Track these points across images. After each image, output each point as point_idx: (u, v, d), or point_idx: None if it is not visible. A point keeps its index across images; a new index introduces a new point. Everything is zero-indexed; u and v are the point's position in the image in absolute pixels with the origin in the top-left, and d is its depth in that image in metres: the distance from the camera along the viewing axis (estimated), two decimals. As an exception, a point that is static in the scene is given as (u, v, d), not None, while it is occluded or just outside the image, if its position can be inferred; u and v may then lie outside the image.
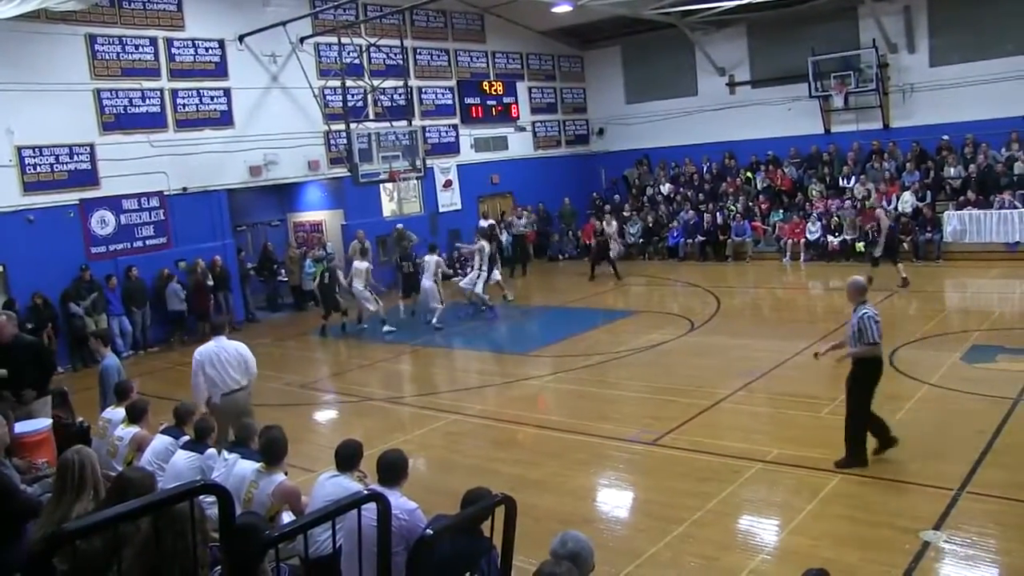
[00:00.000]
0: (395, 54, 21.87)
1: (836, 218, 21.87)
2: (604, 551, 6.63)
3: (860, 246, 20.72)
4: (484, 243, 18.11)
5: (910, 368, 11.67)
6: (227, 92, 19.70)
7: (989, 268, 18.95)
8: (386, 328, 17.16)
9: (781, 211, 23.71)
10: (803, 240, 22.22)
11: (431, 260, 17.29)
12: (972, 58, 21.87)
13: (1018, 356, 11.78)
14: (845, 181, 23.47)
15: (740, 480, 8.26)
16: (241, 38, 19.80)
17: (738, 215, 23.79)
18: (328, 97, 21.42)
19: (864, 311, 8.23)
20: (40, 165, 16.78)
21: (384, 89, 21.60)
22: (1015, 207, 19.85)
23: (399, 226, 21.46)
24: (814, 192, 23.57)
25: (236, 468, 6.42)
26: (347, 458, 5.95)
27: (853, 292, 8.42)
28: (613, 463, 9.48)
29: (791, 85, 24.63)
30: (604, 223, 22.92)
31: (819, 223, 22.21)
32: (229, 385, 9.18)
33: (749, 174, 25.70)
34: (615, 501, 8.57)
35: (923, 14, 22.82)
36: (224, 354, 9.24)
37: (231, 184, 19.82)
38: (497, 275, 18.86)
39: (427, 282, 17.22)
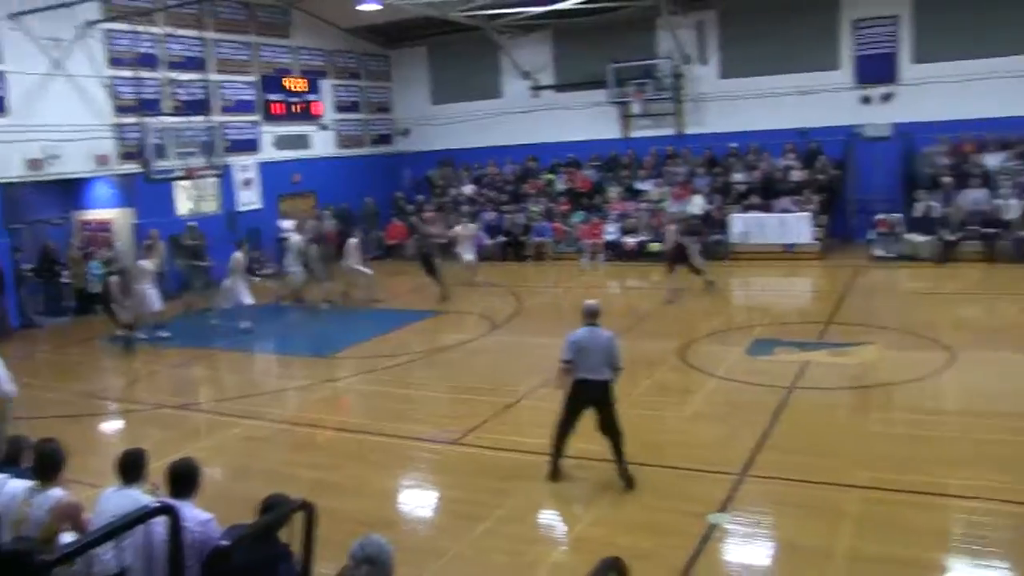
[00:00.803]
0: (194, 46, 21.04)
1: (633, 220, 22.80)
2: (407, 552, 6.64)
3: (655, 247, 21.63)
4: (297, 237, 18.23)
5: (699, 362, 12.41)
6: (0, 76, 18.20)
7: (769, 267, 20.34)
8: (161, 334, 16.34)
9: (581, 212, 24.45)
10: (601, 241, 23.01)
11: (236, 258, 16.78)
12: (757, 72, 23.39)
13: (793, 348, 12.70)
14: (641, 184, 24.50)
15: (542, 476, 8.45)
16: (16, 16, 18.13)
17: (539, 216, 24.37)
18: (119, 88, 20.14)
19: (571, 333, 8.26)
20: None
21: (181, 82, 20.73)
22: (792, 211, 21.32)
23: (191, 224, 20.72)
24: (612, 194, 24.45)
25: (5, 489, 5.69)
26: (130, 468, 5.42)
27: (583, 314, 8.38)
28: (415, 464, 9.51)
29: (593, 90, 25.43)
30: (439, 224, 22.49)
31: (617, 224, 23.06)
32: None
33: (551, 176, 26.35)
34: (418, 502, 8.60)
35: (715, 29, 24.23)
36: None
37: (6, 178, 18.11)
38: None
39: (227, 281, 16.68)
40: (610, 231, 23.06)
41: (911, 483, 7.78)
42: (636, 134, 25.83)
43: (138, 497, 5.23)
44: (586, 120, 25.99)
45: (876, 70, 22.28)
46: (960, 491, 7.53)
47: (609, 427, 8.13)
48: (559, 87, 26.67)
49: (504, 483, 8.43)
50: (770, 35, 23.16)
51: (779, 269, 20.25)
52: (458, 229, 20.80)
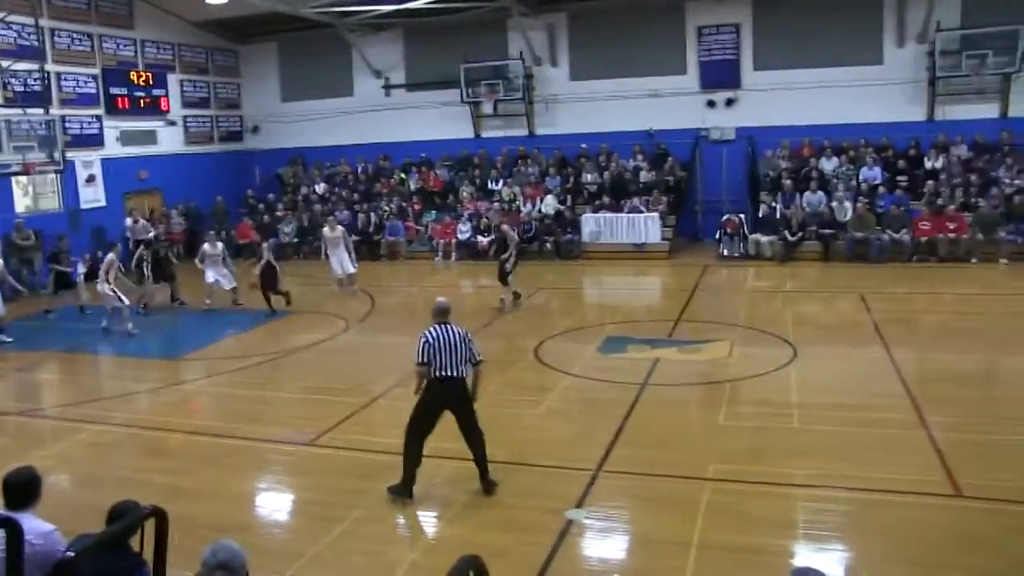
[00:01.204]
0: (29, 33, 19.89)
1: (485, 219, 22.90)
2: (264, 556, 6.47)
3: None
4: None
5: (554, 360, 12.53)
6: None
7: (620, 266, 20.78)
8: (3, 338, 15.46)
9: (433, 212, 24.40)
10: (454, 240, 23.01)
11: (108, 259, 15.97)
12: (605, 76, 23.91)
13: (644, 346, 13.01)
14: (494, 184, 24.65)
15: (397, 476, 8.29)
16: None
17: (392, 215, 24.19)
18: (-56, 75, 18.95)
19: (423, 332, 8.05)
20: None
21: (16, 72, 19.57)
22: (641, 211, 21.84)
23: (18, 221, 19.71)
24: (465, 194, 24.49)
25: None
26: None
27: (432, 313, 8.25)
28: (270, 466, 9.26)
29: (444, 90, 25.48)
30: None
31: (469, 223, 23.10)
32: None
33: (403, 175, 26.20)
34: (273, 505, 8.37)
35: (564, 33, 24.68)
36: None
37: None
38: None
39: (101, 285, 15.87)
40: (463, 230, 23.08)
41: (758, 474, 8.06)
42: (488, 134, 26.01)
43: None
44: (438, 119, 25.98)
45: (720, 76, 23.15)
46: (803, 480, 7.86)
47: (471, 428, 8.01)
48: (410, 86, 26.59)
49: (361, 483, 8.31)
50: (619, 39, 23.71)
51: (630, 268, 20.72)
52: (324, 231, 19.03)
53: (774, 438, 9.09)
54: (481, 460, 8.02)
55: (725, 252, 20.85)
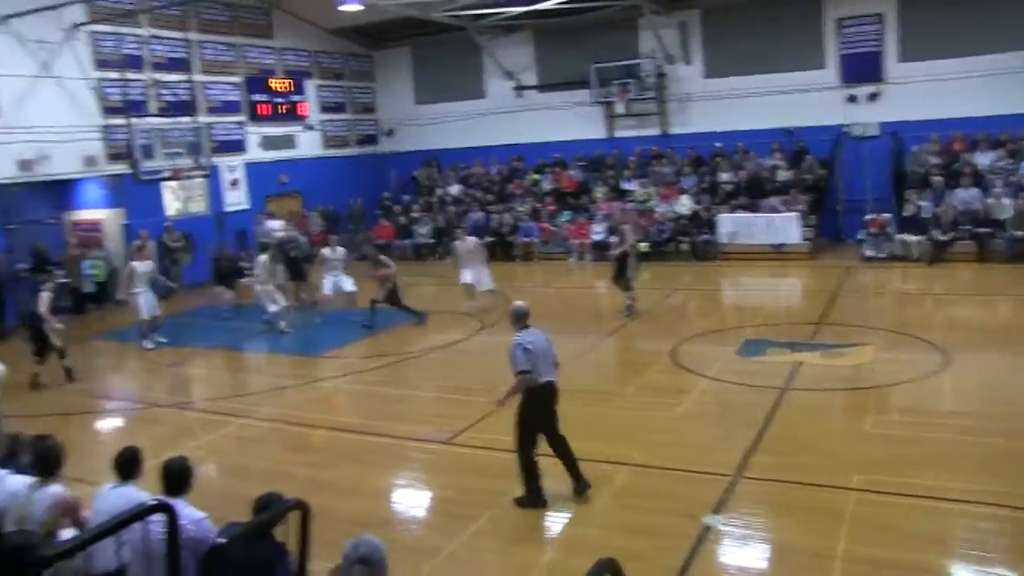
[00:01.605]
0: (179, 47, 20.97)
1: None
2: (402, 551, 6.58)
3: (643, 246, 21.59)
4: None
5: (691, 363, 12.30)
6: (-12, 78, 18.10)
7: (758, 267, 20.28)
8: (157, 338, 16.02)
9: (567, 212, 24.37)
10: (588, 241, 22.91)
11: (261, 261, 16.70)
12: (741, 72, 23.35)
13: (784, 349, 12.63)
14: (627, 184, 24.44)
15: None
16: (4, 19, 18.18)
17: (526, 216, 24.28)
18: (107, 89, 20.07)
19: (515, 338, 7.86)
20: None
21: (167, 83, 20.64)
22: (780, 211, 21.27)
23: (168, 223, 20.82)
24: (598, 194, 24.38)
25: (7, 484, 5.86)
26: (127, 465, 5.53)
27: (511, 318, 8.14)
28: (408, 463, 9.43)
29: (576, 90, 25.40)
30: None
31: (603, 224, 22.98)
32: None
33: (536, 176, 26.28)
34: (411, 501, 8.51)
35: (697, 30, 24.20)
36: None
37: None
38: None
39: (257, 285, 16.56)
40: (597, 231, 22.95)
41: (907, 486, 7.68)
42: (620, 134, 25.78)
43: (134, 494, 5.27)
44: (571, 120, 25.91)
45: (861, 69, 22.28)
46: (958, 495, 7.43)
47: (558, 430, 7.93)
48: (542, 87, 26.60)
49: (496, 483, 8.30)
50: (754, 34, 23.15)
51: (768, 269, 20.19)
52: (456, 245, 18.18)
53: (924, 448, 8.66)
54: (574, 462, 7.91)
55: (869, 253, 20.04)
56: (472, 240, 17.91)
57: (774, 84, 22.85)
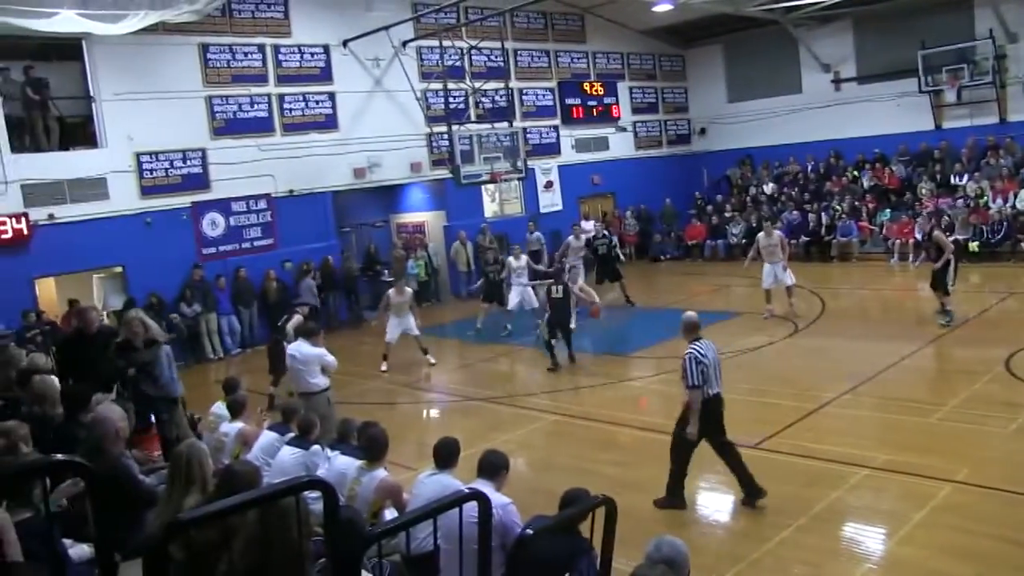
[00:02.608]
0: (496, 56, 22.22)
1: (947, 217, 21.13)
2: (704, 555, 6.60)
3: (974, 246, 20.02)
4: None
5: (1030, 374, 11.23)
6: (332, 96, 20.23)
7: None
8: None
9: (888, 210, 23.05)
10: (912, 240, 21.47)
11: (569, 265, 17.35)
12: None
13: None
14: (957, 179, 22.67)
15: (846, 486, 8.08)
16: (345, 43, 20.32)
17: (844, 215, 23.22)
18: (430, 100, 21.74)
19: (688, 350, 7.85)
20: (156, 170, 17.55)
21: (485, 91, 21.93)
22: None
23: (484, 226, 22.06)
24: (923, 190, 22.83)
25: (337, 464, 6.56)
26: (446, 456, 6.02)
27: (682, 329, 8.13)
28: (714, 466, 9.27)
29: (899, 80, 23.98)
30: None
31: (929, 223, 21.45)
32: (303, 388, 9.84)
33: (855, 172, 25.07)
34: (716, 505, 8.41)
35: (1044, 1, 21.89)
36: (299, 357, 9.95)
37: (336, 186, 20.37)
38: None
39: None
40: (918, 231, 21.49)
41: None
42: (950, 124, 23.94)
43: (449, 482, 5.72)
44: (893, 112, 24.46)
45: None
46: None
47: (725, 437, 7.99)
48: (862, 79, 25.34)
49: (805, 491, 8.09)
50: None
51: None
52: (760, 238, 17.01)
53: None
54: (744, 470, 7.84)
55: None
56: (777, 232, 17.27)
57: None
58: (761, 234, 17.10)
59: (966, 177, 22.44)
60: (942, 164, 23.25)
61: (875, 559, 6.96)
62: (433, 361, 15.23)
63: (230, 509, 3.53)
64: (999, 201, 21.07)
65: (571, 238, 18.86)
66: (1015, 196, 20.89)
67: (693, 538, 6.47)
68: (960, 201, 21.56)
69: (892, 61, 24.08)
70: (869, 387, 11.31)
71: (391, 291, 15.15)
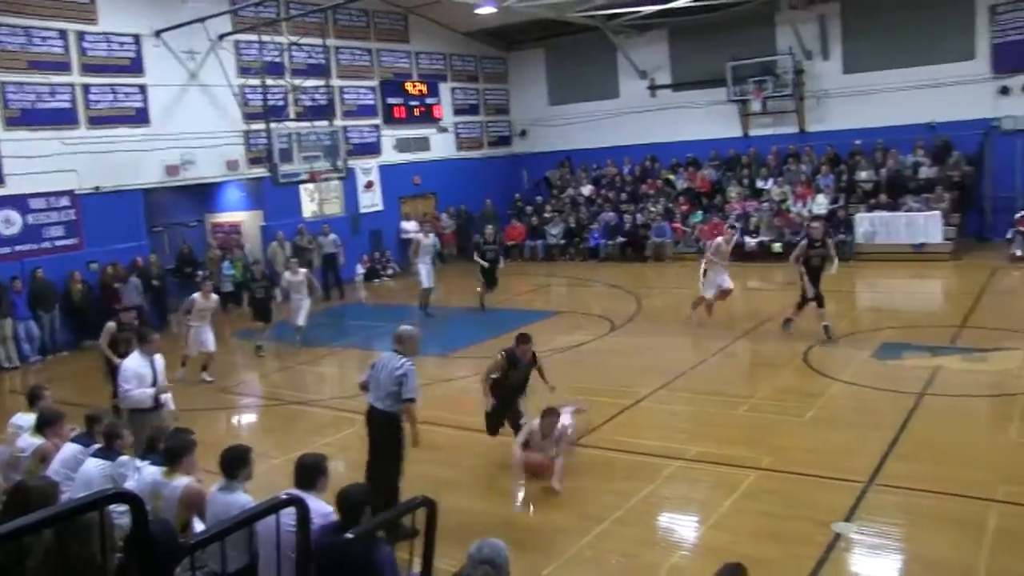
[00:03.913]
0: (317, 53, 21.77)
1: (754, 220, 22.36)
2: (525, 551, 6.70)
3: (776, 247, 21.19)
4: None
5: (824, 366, 12.04)
6: (143, 89, 19.23)
7: (897, 268, 19.59)
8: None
9: (700, 212, 24.12)
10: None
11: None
12: (882, 67, 22.61)
13: (924, 353, 12.21)
14: (763, 183, 24.01)
15: (660, 478, 8.40)
16: (158, 33, 19.33)
17: (658, 216, 24.14)
18: (248, 96, 21.05)
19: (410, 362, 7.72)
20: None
21: (305, 88, 21.47)
22: (920, 210, 20.53)
23: (301, 226, 21.68)
24: (732, 194, 24.04)
25: (146, 474, 6.06)
26: (228, 465, 5.62)
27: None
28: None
29: (711, 89, 25.10)
30: None
31: (737, 224, 22.61)
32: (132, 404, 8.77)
33: (670, 176, 26.08)
34: (535, 502, 8.46)
35: (837, 23, 23.54)
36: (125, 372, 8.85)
37: (147, 184, 19.31)
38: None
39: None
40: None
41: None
42: (756, 132, 25.33)
43: (235, 499, 5.42)
44: (705, 119, 25.61)
45: (1017, 58, 21.11)
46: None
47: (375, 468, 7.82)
48: (676, 86, 26.39)
49: (622, 484, 8.35)
50: (897, 26, 22.38)
51: (908, 270, 19.48)
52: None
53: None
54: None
55: (1018, 253, 19.10)
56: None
57: (917, 78, 22.02)
58: (721, 239, 15.89)
59: (771, 182, 23.79)
60: (749, 169, 24.56)
61: (688, 545, 7.29)
62: (210, 379, 14.11)
63: (22, 529, 3.19)
64: (799, 205, 22.45)
65: (420, 235, 18.77)
66: (812, 200, 22.29)
67: (513, 535, 6.54)
68: (766, 204, 22.82)
69: (704, 71, 25.19)
70: (682, 382, 11.82)
71: (197, 295, 14.14)
